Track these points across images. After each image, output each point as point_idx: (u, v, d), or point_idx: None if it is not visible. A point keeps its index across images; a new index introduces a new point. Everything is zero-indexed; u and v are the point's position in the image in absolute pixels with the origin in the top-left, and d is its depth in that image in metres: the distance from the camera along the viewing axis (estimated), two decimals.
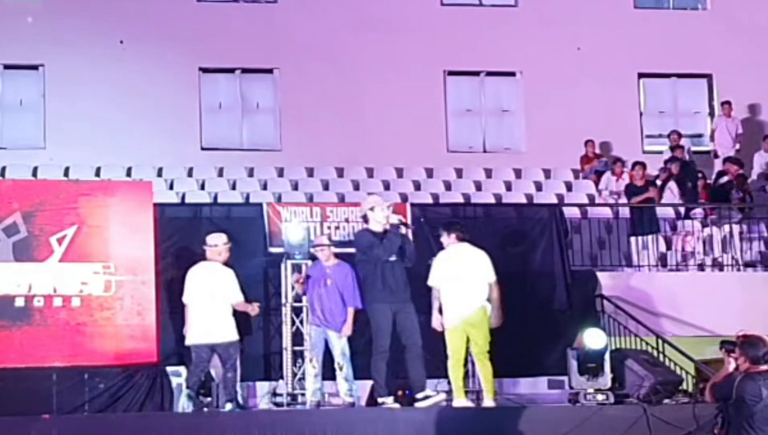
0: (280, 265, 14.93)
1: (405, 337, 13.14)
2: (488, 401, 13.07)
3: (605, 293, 16.79)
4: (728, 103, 22.57)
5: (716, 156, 22.45)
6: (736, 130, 22.45)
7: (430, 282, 13.13)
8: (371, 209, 13.34)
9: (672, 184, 20.42)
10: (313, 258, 14.35)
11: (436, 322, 13.14)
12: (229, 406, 13.33)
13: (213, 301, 13.49)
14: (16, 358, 13.87)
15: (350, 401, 13.78)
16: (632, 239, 18.54)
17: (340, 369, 13.79)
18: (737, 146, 22.35)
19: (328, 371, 13.95)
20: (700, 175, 21.16)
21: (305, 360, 14.17)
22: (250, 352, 14.65)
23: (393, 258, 13.07)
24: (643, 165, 19.83)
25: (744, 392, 9.11)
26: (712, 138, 22.83)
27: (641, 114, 23.61)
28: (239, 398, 13.62)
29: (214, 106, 22.62)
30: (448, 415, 12.30)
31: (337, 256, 14.13)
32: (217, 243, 13.73)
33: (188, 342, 13.55)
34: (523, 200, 20.27)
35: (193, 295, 13.58)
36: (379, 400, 12.93)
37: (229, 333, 13.52)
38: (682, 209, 20.15)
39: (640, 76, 23.61)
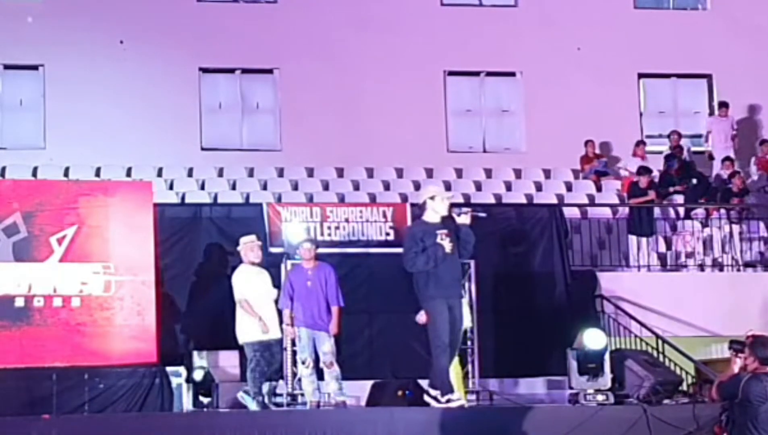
0: (280, 265, 14.94)
1: (451, 338, 12.52)
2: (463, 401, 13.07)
3: (605, 293, 16.80)
4: (725, 104, 22.51)
5: (711, 157, 22.46)
6: (732, 129, 22.44)
7: None
8: (431, 198, 12.57)
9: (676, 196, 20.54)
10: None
11: (421, 317, 13.15)
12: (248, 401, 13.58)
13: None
14: (16, 358, 13.87)
15: (341, 400, 13.81)
16: (631, 238, 18.57)
17: (328, 368, 13.81)
18: (734, 146, 22.33)
19: (321, 371, 14.00)
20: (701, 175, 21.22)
21: (298, 361, 14.19)
22: None
23: (448, 251, 12.36)
24: (650, 171, 19.87)
25: (750, 392, 9.14)
26: (707, 139, 22.80)
27: (641, 114, 23.61)
28: (255, 397, 13.67)
29: (214, 106, 22.60)
30: (448, 415, 12.28)
31: (318, 257, 14.19)
32: (239, 244, 14.11)
33: None
34: (523, 200, 20.27)
35: None
36: (443, 399, 12.38)
37: (241, 335, 13.78)
38: (681, 209, 20.19)
39: (640, 76, 23.60)
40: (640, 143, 21.68)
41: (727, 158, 21.35)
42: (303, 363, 13.93)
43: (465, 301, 13.03)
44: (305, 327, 13.92)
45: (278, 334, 13.90)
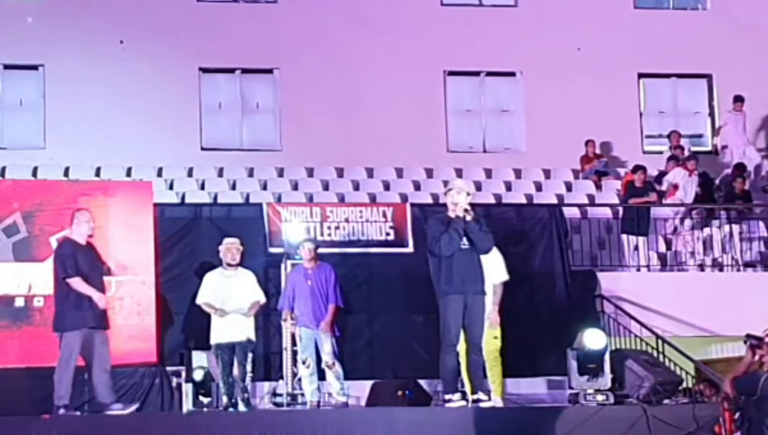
0: (280, 265, 14.94)
1: (468, 335, 12.32)
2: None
3: (605, 293, 16.80)
4: (741, 99, 22.31)
5: (716, 153, 22.41)
6: (745, 123, 22.34)
7: None
8: (448, 192, 12.40)
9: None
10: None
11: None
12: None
13: None
14: (16, 358, 13.88)
15: (343, 400, 13.83)
16: (624, 237, 18.56)
17: (329, 368, 13.82)
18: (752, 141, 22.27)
19: (321, 371, 14.01)
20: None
21: (298, 361, 14.19)
22: None
23: (465, 246, 12.16)
24: (644, 169, 19.87)
25: None
26: (716, 133, 22.61)
27: (641, 114, 23.61)
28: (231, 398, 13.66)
29: (214, 106, 22.60)
30: (447, 415, 12.28)
31: (319, 257, 14.19)
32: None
33: None
34: (523, 200, 20.26)
35: None
36: (446, 397, 12.32)
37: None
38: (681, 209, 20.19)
39: (640, 76, 23.60)
40: (638, 168, 20.29)
41: (739, 165, 21.26)
42: (303, 363, 13.94)
43: (488, 299, 12.75)
44: (306, 327, 13.94)
45: (240, 336, 13.71)
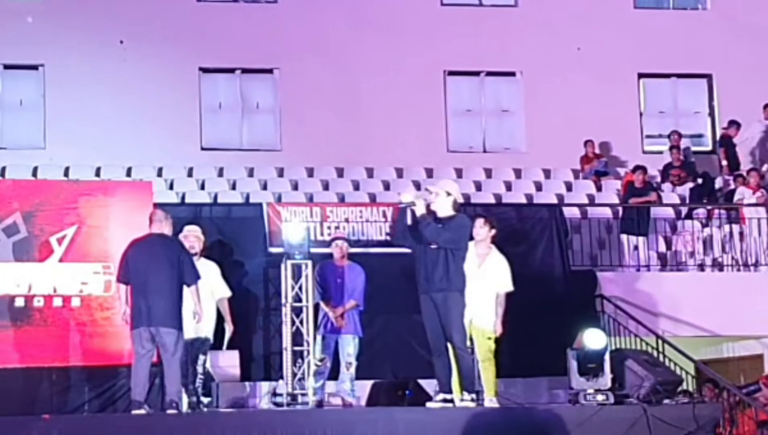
0: (280, 265, 14.93)
1: (446, 334, 12.25)
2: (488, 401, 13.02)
3: (605, 293, 16.80)
4: None
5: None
6: None
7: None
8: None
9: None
10: (312, 257, 14.39)
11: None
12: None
13: None
14: (16, 358, 13.87)
15: (350, 401, 13.86)
16: (624, 237, 18.57)
17: (347, 369, 13.89)
18: None
19: (332, 371, 14.06)
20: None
21: (306, 360, 14.20)
22: (250, 352, 14.87)
23: (433, 246, 12.11)
24: (644, 169, 19.87)
25: None
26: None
27: (641, 114, 23.61)
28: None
29: (214, 106, 22.62)
30: (447, 415, 12.28)
31: (350, 256, 14.28)
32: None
33: None
34: (523, 200, 20.26)
35: None
36: (438, 397, 12.38)
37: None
38: (683, 209, 20.19)
39: (640, 76, 23.61)
40: (638, 168, 20.22)
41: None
42: (321, 361, 14.00)
43: (490, 308, 12.85)
44: (329, 334, 14.04)
45: (193, 333, 13.07)
